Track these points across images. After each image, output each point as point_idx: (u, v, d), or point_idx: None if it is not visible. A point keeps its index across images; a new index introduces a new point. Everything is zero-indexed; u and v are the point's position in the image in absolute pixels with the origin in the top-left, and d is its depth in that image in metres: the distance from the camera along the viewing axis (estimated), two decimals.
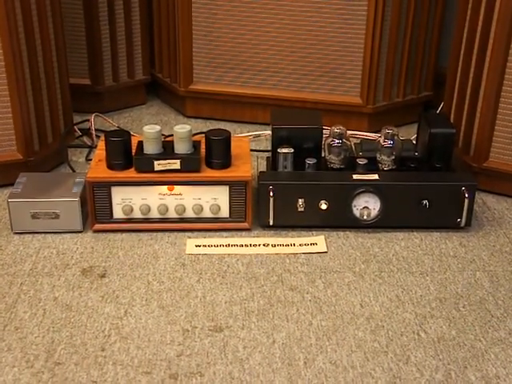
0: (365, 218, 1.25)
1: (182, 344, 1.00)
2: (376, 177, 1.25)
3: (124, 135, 1.24)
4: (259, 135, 1.68)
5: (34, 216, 1.24)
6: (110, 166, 1.24)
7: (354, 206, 1.25)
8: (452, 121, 1.47)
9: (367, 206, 1.25)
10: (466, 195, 1.23)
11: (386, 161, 1.30)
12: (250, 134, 1.67)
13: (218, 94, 1.72)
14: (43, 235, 1.25)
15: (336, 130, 1.30)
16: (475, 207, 1.32)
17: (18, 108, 1.34)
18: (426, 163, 1.32)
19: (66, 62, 1.53)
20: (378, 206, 1.24)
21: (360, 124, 1.67)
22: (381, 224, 1.26)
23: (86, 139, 1.64)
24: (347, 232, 1.28)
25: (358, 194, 1.23)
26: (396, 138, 1.30)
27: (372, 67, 1.60)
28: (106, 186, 1.23)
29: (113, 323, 1.04)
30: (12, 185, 1.29)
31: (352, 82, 1.64)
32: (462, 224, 1.27)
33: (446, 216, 1.26)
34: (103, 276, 1.15)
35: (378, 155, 1.31)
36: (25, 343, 0.99)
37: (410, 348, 1.00)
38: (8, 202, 1.23)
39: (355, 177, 1.25)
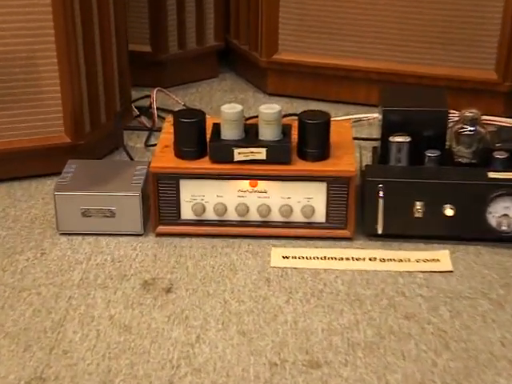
0: (504, 228, 1.22)
1: (268, 382, 0.99)
2: None
3: (198, 116, 1.25)
4: (360, 119, 1.67)
5: (85, 214, 1.26)
6: (179, 155, 1.25)
7: (490, 213, 1.22)
8: None
9: (507, 213, 1.22)
10: None
11: None
12: (349, 117, 1.66)
13: (309, 65, 1.72)
14: (95, 237, 1.27)
15: (468, 113, 1.28)
16: None
17: (67, 81, 1.36)
18: None
19: (126, 24, 1.55)
20: None
21: (494, 107, 1.64)
22: None
23: (144, 120, 1.65)
24: (479, 246, 1.26)
25: (496, 197, 1.21)
26: None
27: None
28: (174, 179, 1.24)
29: (182, 351, 1.04)
30: (59, 174, 1.31)
31: (485, 51, 1.61)
32: None
33: None
34: (169, 291, 1.15)
35: None
36: (75, 371, 1.00)
37: None
38: (54, 195, 1.25)
39: (491, 175, 1.23)
